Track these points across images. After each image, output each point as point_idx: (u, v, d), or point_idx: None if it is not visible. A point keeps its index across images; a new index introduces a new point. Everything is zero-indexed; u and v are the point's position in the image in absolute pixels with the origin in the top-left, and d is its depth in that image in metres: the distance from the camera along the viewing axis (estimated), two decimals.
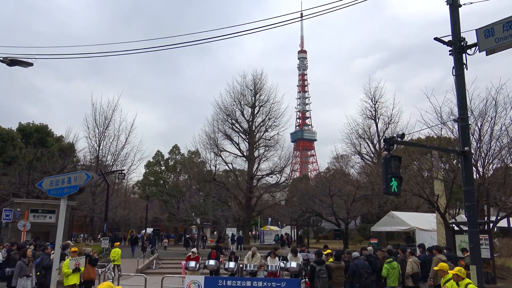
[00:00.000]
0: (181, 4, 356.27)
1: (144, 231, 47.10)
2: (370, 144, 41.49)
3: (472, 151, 13.01)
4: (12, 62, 11.45)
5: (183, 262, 16.69)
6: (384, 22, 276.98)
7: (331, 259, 12.09)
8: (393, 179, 8.40)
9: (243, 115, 41.55)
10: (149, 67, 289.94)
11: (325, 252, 13.81)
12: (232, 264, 15.16)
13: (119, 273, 17.14)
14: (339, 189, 31.93)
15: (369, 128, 41.46)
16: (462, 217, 22.71)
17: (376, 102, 41.33)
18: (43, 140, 43.95)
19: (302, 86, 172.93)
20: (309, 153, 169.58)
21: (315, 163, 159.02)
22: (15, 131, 43.60)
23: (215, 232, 48.70)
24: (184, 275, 15.09)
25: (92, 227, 49.10)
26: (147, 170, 66.69)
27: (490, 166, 17.01)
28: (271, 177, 42.33)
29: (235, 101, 41.48)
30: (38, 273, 11.06)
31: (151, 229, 48.47)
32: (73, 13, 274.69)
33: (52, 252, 11.55)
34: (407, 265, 11.81)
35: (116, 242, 23.88)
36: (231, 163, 42.05)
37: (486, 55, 9.04)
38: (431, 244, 16.46)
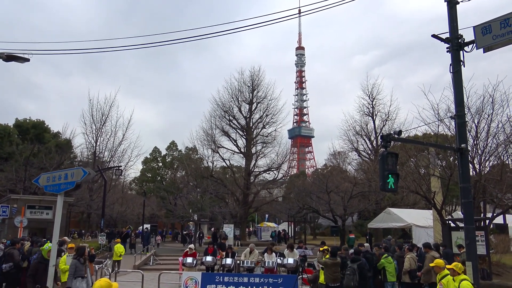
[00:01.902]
0: (180, 1, 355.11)
1: (141, 227, 47.09)
2: (367, 141, 41.54)
3: (469, 148, 13.04)
4: (8, 57, 11.40)
5: (180, 259, 16.72)
6: (383, 19, 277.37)
7: (327, 256, 12.13)
8: (390, 175, 8.41)
9: (240, 111, 41.52)
10: (148, 63, 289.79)
11: (321, 249, 13.86)
12: (229, 261, 15.19)
13: (117, 269, 17.16)
14: (336, 185, 32.00)
15: (367, 125, 41.51)
16: (458, 214, 22.82)
17: (374, 99, 41.37)
18: (40, 136, 43.79)
19: (300, 82, 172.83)
20: (306, 149, 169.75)
21: (313, 160, 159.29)
22: (11, 127, 43.40)
23: (212, 229, 48.74)
24: (181, 271, 15.11)
25: (89, 223, 49.05)
26: (144, 167, 66.66)
27: (487, 163, 17.04)
28: (269, 173, 42.35)
29: (232, 98, 41.45)
30: None
31: (148, 225, 48.58)
32: (71, 8, 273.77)
33: None
34: (405, 261, 11.87)
35: (113, 238, 23.89)
36: (229, 160, 42.07)
37: (484, 52, 9.05)
38: (427, 241, 16.55)
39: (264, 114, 41.52)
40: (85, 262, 10.15)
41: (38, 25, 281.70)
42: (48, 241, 11.13)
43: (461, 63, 9.31)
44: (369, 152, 41.03)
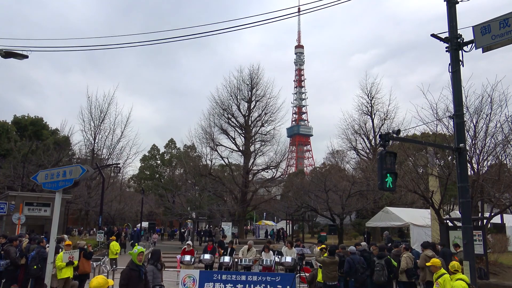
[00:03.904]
0: None
1: (139, 224, 46.95)
2: (365, 140, 41.58)
3: (467, 148, 13.06)
4: (7, 54, 11.37)
5: (178, 256, 16.72)
6: (382, 18, 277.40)
7: (325, 254, 12.15)
8: (388, 175, 8.41)
9: (239, 109, 41.52)
10: (147, 60, 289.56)
11: (318, 248, 13.87)
12: (227, 259, 15.20)
13: (115, 266, 17.14)
14: (335, 184, 32.02)
15: (365, 124, 41.55)
16: (456, 213, 22.87)
17: (372, 98, 41.41)
18: (38, 133, 43.70)
19: (299, 81, 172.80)
20: (305, 148, 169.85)
21: (311, 158, 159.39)
22: (10, 123, 43.30)
23: (210, 226, 48.90)
24: (179, 269, 15.11)
25: (87, 221, 49.04)
26: (143, 164, 66.72)
27: (485, 163, 17.08)
28: (267, 172, 42.41)
29: (231, 96, 41.45)
30: (35, 267, 11.03)
31: (146, 223, 48.52)
32: (71, 5, 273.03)
33: (47, 245, 11.53)
34: (402, 261, 11.88)
35: (111, 236, 23.85)
36: (227, 158, 42.13)
37: (483, 52, 9.06)
38: (425, 240, 16.57)
39: (263, 112, 41.56)
40: (162, 268, 8.57)
41: (37, 22, 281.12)
42: (137, 244, 10.82)
43: (460, 62, 9.32)
44: (368, 151, 41.07)
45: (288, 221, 46.60)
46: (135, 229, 34.13)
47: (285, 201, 41.76)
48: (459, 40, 9.33)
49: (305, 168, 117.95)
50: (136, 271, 7.15)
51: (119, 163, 42.70)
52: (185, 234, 41.24)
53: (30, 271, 11.13)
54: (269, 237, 41.11)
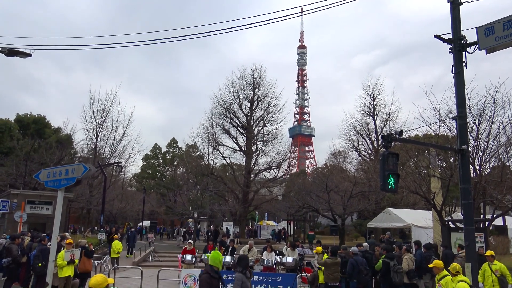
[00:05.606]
0: None
1: (139, 224, 47.00)
2: (368, 141, 41.56)
3: (470, 149, 13.03)
4: (10, 52, 11.38)
5: (180, 256, 16.74)
6: (385, 19, 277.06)
7: (326, 255, 12.15)
8: (390, 176, 8.38)
9: (241, 109, 41.51)
10: (150, 60, 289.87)
11: (315, 251, 13.86)
12: (228, 258, 15.20)
13: (116, 265, 17.16)
14: (336, 185, 31.98)
15: (367, 125, 41.53)
16: (458, 215, 22.82)
17: (375, 98, 41.39)
18: (41, 131, 43.81)
19: (301, 81, 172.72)
20: (306, 148, 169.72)
21: (313, 159, 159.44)
22: (12, 121, 43.42)
23: (212, 226, 48.97)
24: (180, 268, 15.13)
25: (89, 219, 49.10)
26: (145, 163, 66.89)
27: (487, 165, 17.02)
28: (269, 172, 42.39)
29: (234, 96, 41.44)
30: (39, 264, 11.05)
31: (148, 222, 48.51)
32: (74, 4, 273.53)
33: (49, 243, 11.55)
34: (403, 262, 11.86)
35: (111, 235, 23.89)
36: (229, 157, 42.11)
37: (486, 53, 9.01)
38: (427, 241, 16.56)
39: (265, 112, 41.55)
40: (251, 276, 7.78)
41: (40, 22, 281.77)
42: (216, 248, 10.61)
43: (464, 64, 9.28)
44: (370, 151, 41.05)
45: (289, 221, 46.59)
46: (132, 229, 33.87)
47: (287, 201, 41.76)
48: (462, 41, 9.29)
49: (306, 169, 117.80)
50: (216, 278, 6.39)
51: (121, 162, 42.81)
52: (175, 233, 41.02)
53: (35, 269, 11.13)
54: (270, 237, 41.08)
